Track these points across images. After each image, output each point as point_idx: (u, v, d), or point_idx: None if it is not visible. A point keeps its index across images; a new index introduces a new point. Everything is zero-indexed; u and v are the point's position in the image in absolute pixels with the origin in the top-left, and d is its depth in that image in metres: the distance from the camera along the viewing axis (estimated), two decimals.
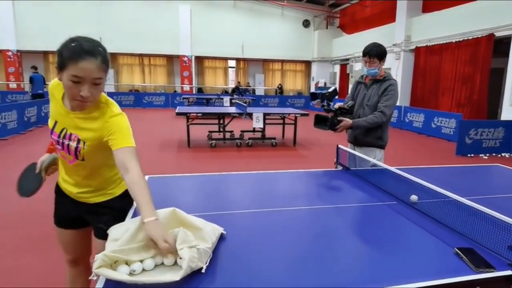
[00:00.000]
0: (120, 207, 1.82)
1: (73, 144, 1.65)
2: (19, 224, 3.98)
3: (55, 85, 1.69)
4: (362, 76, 3.46)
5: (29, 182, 1.82)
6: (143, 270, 1.33)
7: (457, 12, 11.89)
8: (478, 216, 1.67)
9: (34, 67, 13.65)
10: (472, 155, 8.35)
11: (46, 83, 13.88)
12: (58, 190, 1.90)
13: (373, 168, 2.73)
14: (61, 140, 1.68)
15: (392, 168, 2.44)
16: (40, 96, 12.70)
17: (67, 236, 1.95)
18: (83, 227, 1.93)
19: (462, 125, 8.49)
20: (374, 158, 3.12)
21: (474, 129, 8.42)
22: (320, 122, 3.24)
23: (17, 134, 9.85)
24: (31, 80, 12.79)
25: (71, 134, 1.65)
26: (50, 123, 1.71)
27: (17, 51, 19.05)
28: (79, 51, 1.46)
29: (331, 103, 3.20)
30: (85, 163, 1.70)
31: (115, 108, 1.68)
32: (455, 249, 1.52)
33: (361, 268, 1.44)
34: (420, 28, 13.71)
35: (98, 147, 1.64)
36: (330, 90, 3.25)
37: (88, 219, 1.87)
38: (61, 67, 1.50)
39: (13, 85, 19.09)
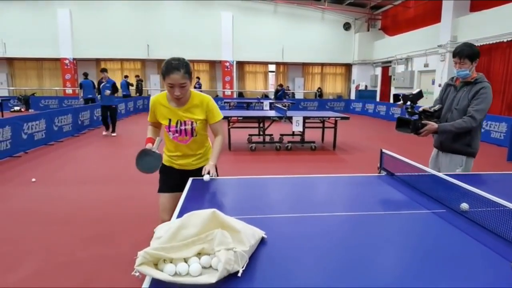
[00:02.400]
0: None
1: (188, 127, 2.61)
2: (69, 222, 4.18)
3: (158, 98, 2.65)
4: (452, 78, 3.32)
5: (151, 162, 2.46)
6: (188, 273, 1.32)
7: (508, 10, 11.26)
8: None
9: (85, 74, 14.47)
10: None
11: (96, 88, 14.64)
12: (164, 169, 2.78)
13: (418, 173, 2.62)
14: (179, 128, 2.60)
15: (440, 174, 2.33)
16: (91, 101, 13.47)
17: (170, 198, 2.72)
18: (178, 191, 2.48)
19: None
20: (460, 166, 2.98)
21: None
22: (402, 125, 3.14)
23: (72, 137, 10.40)
24: (81, 86, 13.56)
25: (185, 121, 2.59)
26: (164, 121, 2.62)
27: (73, 59, 20.21)
28: (169, 68, 2.38)
29: (415, 106, 3.10)
30: (197, 138, 2.68)
31: (204, 96, 2.66)
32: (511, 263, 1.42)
33: (406, 280, 1.36)
34: (468, 28, 13.11)
35: (203, 122, 2.68)
36: (414, 92, 3.15)
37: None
38: (163, 77, 2.43)
39: (69, 90, 20.30)
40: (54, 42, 19.96)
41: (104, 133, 10.98)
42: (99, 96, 11.13)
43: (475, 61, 3.01)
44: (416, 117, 3.09)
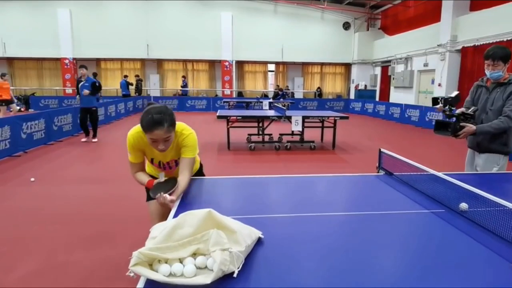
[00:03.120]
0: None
1: (173, 164, 2.50)
2: (70, 221, 4.16)
3: (141, 136, 2.30)
4: (482, 79, 3.32)
5: (167, 184, 2.25)
6: (183, 274, 1.31)
7: (507, 9, 11.25)
8: None
9: (94, 73, 14.92)
10: None
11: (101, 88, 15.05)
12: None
13: (417, 173, 2.61)
14: (162, 167, 2.49)
15: (439, 173, 2.32)
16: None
17: (155, 205, 2.46)
18: None
19: None
20: (497, 165, 3.03)
21: None
22: (441, 128, 3.16)
23: (72, 136, 10.38)
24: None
25: (168, 162, 2.47)
26: (148, 158, 2.49)
27: (73, 58, 20.22)
28: (151, 123, 2.11)
29: (454, 108, 3.10)
30: (177, 169, 2.48)
31: (184, 130, 2.40)
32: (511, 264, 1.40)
33: (404, 281, 1.34)
34: (468, 27, 13.09)
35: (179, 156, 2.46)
36: (453, 95, 3.16)
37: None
38: (143, 131, 2.18)
39: (69, 90, 20.30)
40: (54, 42, 19.96)
41: (83, 139, 9.74)
42: (77, 96, 9.65)
43: (507, 62, 3.03)
44: (454, 119, 3.10)
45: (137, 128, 2.32)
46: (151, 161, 2.47)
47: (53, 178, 6.03)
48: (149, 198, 2.63)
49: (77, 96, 9.62)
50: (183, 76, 21.69)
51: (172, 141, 2.26)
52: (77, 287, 2.86)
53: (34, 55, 20.33)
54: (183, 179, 2.24)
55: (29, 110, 17.27)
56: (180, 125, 2.38)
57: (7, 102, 12.37)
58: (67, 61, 20.27)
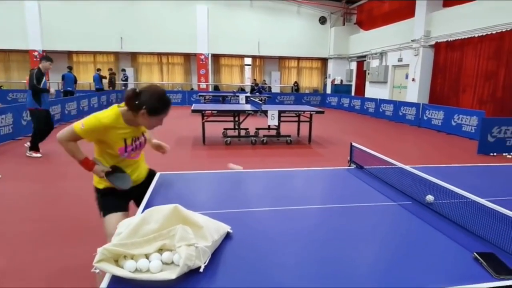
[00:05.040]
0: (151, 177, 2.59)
1: (142, 139, 2.40)
2: (37, 219, 4.03)
3: (113, 121, 2.17)
4: None
5: (124, 179, 2.31)
6: (149, 270, 1.30)
7: (480, 6, 11.55)
8: (499, 219, 1.57)
9: (69, 67, 15.11)
10: (495, 154, 8.08)
11: (77, 82, 15.38)
12: (106, 192, 2.35)
13: (387, 166, 2.64)
14: (134, 144, 2.32)
15: (407, 167, 2.35)
16: (70, 93, 13.76)
17: (120, 217, 2.24)
18: (127, 209, 2.39)
19: (485, 122, 8.21)
20: None
21: (497, 127, 8.14)
22: None
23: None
24: (63, 78, 14.01)
25: (138, 137, 2.36)
26: (119, 144, 2.23)
27: (43, 51, 19.53)
28: (168, 104, 2.21)
29: None
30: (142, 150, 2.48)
31: None
32: (475, 254, 1.42)
33: (373, 272, 1.35)
34: (441, 23, 13.38)
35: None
36: None
37: (135, 195, 2.42)
38: (153, 113, 2.14)
39: None
40: (22, 34, 19.18)
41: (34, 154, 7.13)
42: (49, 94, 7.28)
43: None
44: None
45: (110, 116, 2.16)
46: (125, 146, 2.25)
47: (21, 175, 5.82)
48: (112, 209, 2.30)
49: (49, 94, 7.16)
50: (123, 69, 20.76)
51: None
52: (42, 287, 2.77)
53: (0, 46, 19.53)
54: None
55: None
56: None
57: None
58: (36, 53, 19.55)
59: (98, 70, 17.84)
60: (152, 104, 2.11)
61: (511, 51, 10.44)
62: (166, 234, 1.41)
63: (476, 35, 11.73)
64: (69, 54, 20.87)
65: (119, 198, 2.34)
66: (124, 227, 1.47)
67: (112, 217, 2.27)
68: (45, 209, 4.36)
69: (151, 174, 2.61)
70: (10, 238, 3.59)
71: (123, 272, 1.26)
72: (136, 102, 2.10)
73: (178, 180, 2.60)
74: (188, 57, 21.98)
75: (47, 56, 7.68)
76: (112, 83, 19.33)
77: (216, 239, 1.47)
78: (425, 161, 7.13)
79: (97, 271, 1.28)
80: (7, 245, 3.44)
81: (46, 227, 3.85)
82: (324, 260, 1.42)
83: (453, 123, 10.79)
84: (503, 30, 10.64)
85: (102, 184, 2.35)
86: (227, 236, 1.59)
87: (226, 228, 1.62)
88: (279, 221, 1.82)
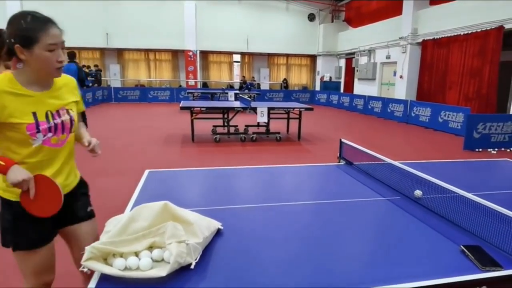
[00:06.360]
0: (84, 185, 1.86)
1: (66, 118, 1.64)
2: None
3: (6, 83, 1.49)
4: None
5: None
6: (138, 268, 1.29)
7: (465, 4, 11.69)
8: (485, 213, 1.61)
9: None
10: (480, 149, 8.22)
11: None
12: (18, 212, 1.56)
13: (376, 162, 2.67)
14: (52, 123, 1.57)
15: (396, 163, 2.38)
16: None
17: (49, 250, 1.69)
18: (54, 236, 1.73)
19: (470, 119, 8.35)
20: None
21: (482, 123, 8.28)
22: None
23: None
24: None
25: (58, 111, 1.61)
26: (25, 118, 1.50)
27: None
28: (45, 21, 1.50)
29: None
30: (72, 135, 1.71)
31: (64, 74, 1.74)
32: (461, 246, 1.45)
33: (362, 266, 1.38)
34: (427, 21, 13.51)
35: (77, 111, 1.76)
36: None
37: (74, 211, 1.74)
38: (31, 43, 1.45)
39: None
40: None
41: None
42: None
43: None
44: None
45: (2, 76, 1.51)
46: (36, 123, 1.52)
47: None
48: (28, 244, 1.61)
49: None
50: (96, 65, 19.95)
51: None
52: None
53: None
54: (82, 124, 1.92)
55: None
56: None
57: None
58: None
59: (83, 66, 17.50)
60: (16, 30, 1.45)
61: (495, 49, 10.61)
62: (155, 231, 1.40)
63: (462, 33, 11.88)
64: None
65: (40, 222, 1.58)
66: (112, 225, 1.45)
67: (30, 255, 1.63)
68: None
69: (83, 182, 1.84)
70: None
71: (113, 270, 1.25)
72: (3, 44, 1.49)
73: (167, 177, 2.59)
74: (176, 54, 21.81)
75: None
76: (97, 79, 19.07)
77: (207, 236, 1.47)
78: (413, 157, 7.21)
79: (85, 269, 1.26)
80: None
81: None
82: (314, 255, 1.44)
83: (440, 120, 10.94)
84: (488, 28, 10.80)
85: (13, 194, 1.56)
86: (218, 232, 1.60)
87: (217, 224, 1.62)
88: (270, 217, 1.83)
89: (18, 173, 1.46)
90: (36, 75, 1.54)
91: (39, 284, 1.71)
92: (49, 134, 1.57)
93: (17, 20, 1.47)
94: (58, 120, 1.59)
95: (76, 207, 1.75)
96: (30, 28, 1.45)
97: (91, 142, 1.76)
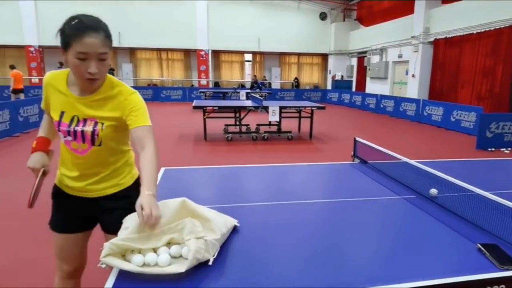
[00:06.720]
0: (135, 194, 1.47)
1: (89, 129, 1.57)
2: (33, 216, 4.02)
3: (53, 77, 1.62)
4: None
5: None
6: (157, 264, 1.29)
7: (478, 3, 11.54)
8: (502, 211, 1.60)
9: (60, 63, 14.66)
10: (493, 149, 8.12)
11: None
12: (58, 192, 1.74)
13: (391, 161, 2.67)
14: (73, 129, 1.57)
15: (411, 161, 2.38)
16: None
17: (71, 241, 1.77)
18: (88, 229, 1.82)
19: (483, 118, 8.25)
20: None
21: (495, 123, 8.17)
22: None
23: (39, 128, 10.03)
24: None
25: (85, 120, 1.58)
26: (55, 114, 1.60)
27: (39, 46, 19.43)
28: (83, 27, 1.43)
29: None
30: (101, 149, 1.62)
31: (128, 87, 1.64)
32: (478, 245, 1.45)
33: (379, 265, 1.38)
34: (440, 20, 13.37)
35: (116, 127, 1.61)
36: None
37: (100, 216, 1.75)
38: (65, 47, 1.45)
39: (35, 80, 19.53)
40: (17, 29, 19.03)
41: None
42: None
43: None
44: None
45: (58, 72, 1.66)
46: (59, 121, 1.60)
47: (18, 171, 5.83)
48: (52, 226, 1.78)
49: None
50: (111, 68, 20.29)
51: (108, 66, 1.54)
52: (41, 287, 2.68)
53: None
54: (151, 158, 1.51)
55: None
56: (116, 79, 1.67)
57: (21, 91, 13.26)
58: (32, 49, 19.44)
59: (61, 64, 16.83)
60: (61, 31, 1.47)
61: (509, 48, 10.45)
62: (174, 227, 1.41)
63: (475, 32, 11.73)
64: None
65: (66, 209, 1.73)
66: (131, 221, 1.44)
67: (54, 236, 1.76)
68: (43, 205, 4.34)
69: (129, 195, 1.62)
70: (12, 234, 3.58)
71: (131, 266, 1.24)
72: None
73: (183, 174, 2.62)
74: (188, 53, 21.92)
75: None
76: None
77: (224, 232, 1.48)
78: (426, 155, 7.15)
79: (103, 266, 1.26)
80: (10, 241, 3.44)
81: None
82: (331, 253, 1.45)
83: (452, 119, 10.82)
84: (501, 27, 10.64)
85: (56, 176, 1.75)
86: (234, 229, 1.61)
87: (233, 221, 1.63)
88: (285, 215, 1.85)
89: (31, 159, 1.64)
90: (75, 78, 1.55)
91: (59, 268, 1.82)
92: (68, 138, 1.61)
93: (65, 22, 1.48)
94: (79, 128, 1.58)
95: (111, 219, 1.66)
96: (68, 32, 1.44)
97: (144, 208, 1.33)
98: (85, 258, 1.89)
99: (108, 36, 1.51)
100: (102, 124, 1.58)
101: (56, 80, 1.61)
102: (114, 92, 1.60)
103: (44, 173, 1.65)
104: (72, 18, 1.47)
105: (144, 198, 1.35)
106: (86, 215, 1.74)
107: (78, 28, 1.42)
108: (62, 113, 1.59)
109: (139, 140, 1.54)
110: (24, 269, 2.93)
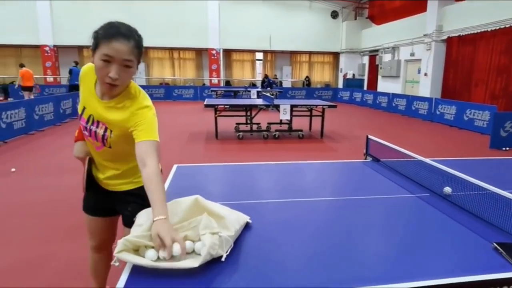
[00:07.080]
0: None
1: (100, 132, 1.63)
2: (49, 213, 4.09)
3: (88, 70, 1.66)
4: None
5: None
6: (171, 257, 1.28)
7: (492, 0, 11.36)
8: None
9: (76, 62, 15.19)
10: (507, 148, 7.98)
11: None
12: (91, 179, 1.85)
13: (403, 159, 2.65)
14: (88, 126, 1.65)
15: (425, 159, 2.35)
16: (76, 88, 13.59)
17: (95, 222, 1.95)
18: (111, 216, 1.96)
19: (497, 117, 8.12)
20: None
21: (510, 122, 8.03)
22: None
23: (54, 126, 10.20)
24: (70, 72, 14.18)
25: (98, 122, 1.63)
26: (80, 107, 1.69)
27: (54, 46, 19.71)
28: (114, 32, 1.47)
29: None
30: (112, 150, 1.68)
31: (145, 100, 1.64)
32: (494, 244, 1.44)
33: (393, 263, 1.37)
34: (453, 18, 13.19)
35: (124, 137, 1.62)
36: None
37: (117, 208, 1.88)
38: (94, 48, 1.49)
39: (50, 79, 19.83)
40: (33, 29, 19.37)
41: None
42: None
43: None
44: None
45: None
46: (81, 114, 1.69)
47: (34, 169, 5.92)
48: (84, 208, 1.97)
49: None
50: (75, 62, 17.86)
51: (131, 74, 1.56)
52: (53, 283, 2.71)
53: (12, 42, 19.67)
54: (155, 178, 1.46)
55: (8, 99, 16.90)
56: (140, 89, 1.70)
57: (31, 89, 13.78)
58: (47, 48, 19.73)
59: (76, 63, 16.11)
60: (95, 32, 1.52)
61: None
62: (187, 226, 1.42)
63: (489, 29, 11.55)
64: (80, 49, 20.97)
65: (96, 194, 1.87)
66: (145, 218, 1.44)
67: (84, 215, 1.97)
68: (57, 203, 4.41)
69: (139, 194, 1.69)
70: (20, 233, 3.60)
71: (145, 261, 1.24)
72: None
73: (195, 172, 2.64)
74: (199, 52, 22.02)
75: None
76: None
77: (237, 229, 1.49)
78: (439, 154, 7.07)
79: (116, 264, 1.26)
80: (15, 240, 3.49)
81: (58, 221, 3.90)
82: (343, 250, 1.45)
83: (465, 118, 10.68)
84: None
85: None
86: (246, 226, 1.62)
87: (246, 218, 1.63)
88: (297, 212, 1.85)
89: (75, 149, 1.82)
90: (98, 80, 1.59)
91: (89, 241, 2.04)
92: (86, 132, 1.70)
93: (102, 25, 1.52)
94: (93, 128, 1.65)
95: (126, 213, 1.79)
96: (100, 35, 1.48)
97: (165, 241, 1.26)
98: (111, 237, 2.05)
99: (138, 47, 1.54)
100: (111, 131, 1.62)
101: (90, 75, 1.64)
102: (130, 103, 1.61)
103: (91, 161, 1.81)
104: (108, 23, 1.52)
105: (159, 226, 1.30)
106: (108, 204, 1.87)
107: (110, 33, 1.47)
108: (84, 108, 1.67)
109: (140, 156, 1.52)
110: (34, 266, 2.96)
